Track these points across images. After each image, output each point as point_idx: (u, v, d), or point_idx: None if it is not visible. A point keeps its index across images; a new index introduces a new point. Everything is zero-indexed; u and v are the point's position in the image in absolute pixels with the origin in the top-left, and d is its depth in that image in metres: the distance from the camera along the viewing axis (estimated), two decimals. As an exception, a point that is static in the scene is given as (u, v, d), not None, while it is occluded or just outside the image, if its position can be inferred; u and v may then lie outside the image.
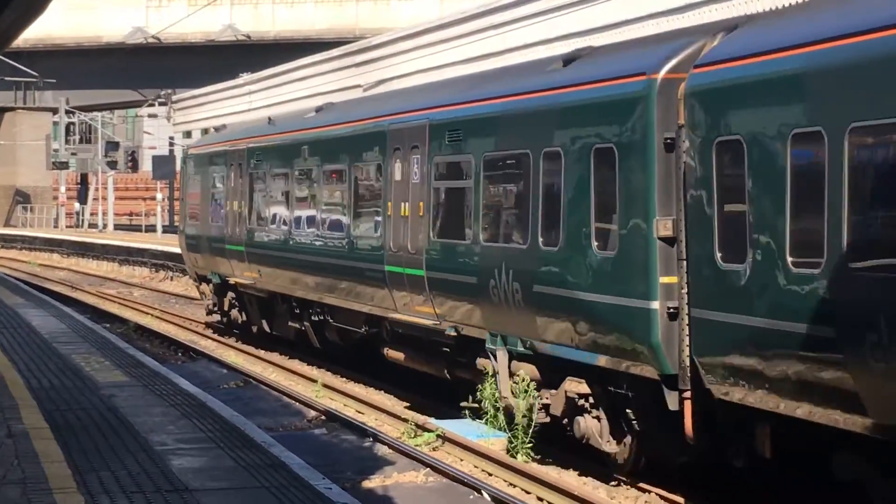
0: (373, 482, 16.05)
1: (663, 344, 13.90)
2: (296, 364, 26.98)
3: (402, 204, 20.52)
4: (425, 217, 19.64)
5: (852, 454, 11.63)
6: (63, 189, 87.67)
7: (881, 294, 10.37)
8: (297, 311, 26.36)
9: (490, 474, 16.51)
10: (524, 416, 17.01)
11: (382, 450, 18.05)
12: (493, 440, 17.82)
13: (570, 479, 16.23)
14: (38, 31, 68.19)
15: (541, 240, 16.29)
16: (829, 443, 11.97)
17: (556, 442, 17.38)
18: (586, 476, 16.39)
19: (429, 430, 18.48)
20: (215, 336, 32.14)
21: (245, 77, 56.57)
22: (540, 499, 15.28)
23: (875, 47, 10.71)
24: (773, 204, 11.95)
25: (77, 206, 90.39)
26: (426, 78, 32.61)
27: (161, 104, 69.70)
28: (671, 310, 13.88)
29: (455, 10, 45.90)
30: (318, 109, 27.07)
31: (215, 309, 32.21)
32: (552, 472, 16.41)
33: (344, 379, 25.07)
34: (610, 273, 14.87)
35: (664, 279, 13.98)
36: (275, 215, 26.98)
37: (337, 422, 20.17)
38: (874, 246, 10.60)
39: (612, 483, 15.88)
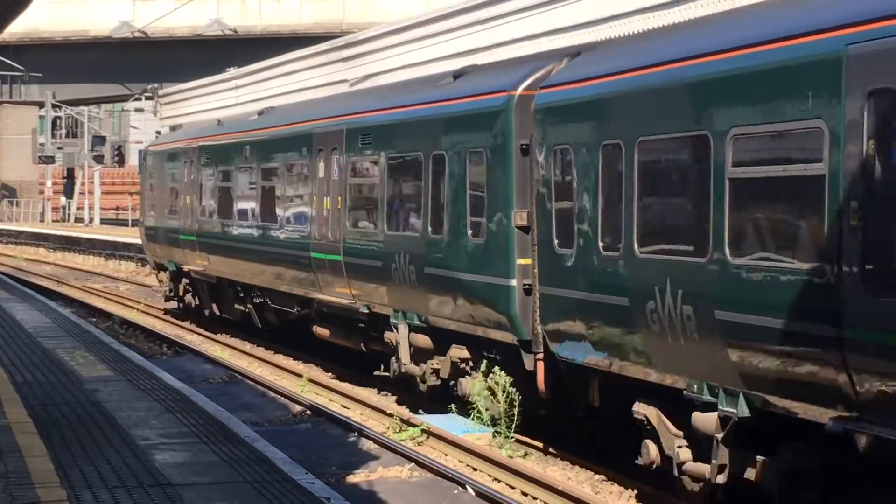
0: (357, 477, 16.04)
1: (520, 315, 16.81)
2: (281, 359, 26.95)
3: (325, 198, 23.30)
4: (343, 210, 22.47)
5: (648, 399, 14.15)
6: (49, 183, 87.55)
7: (656, 272, 13.40)
8: (241, 295, 29.08)
9: (475, 469, 16.51)
10: (507, 410, 17.03)
11: (367, 444, 18.04)
12: (479, 435, 17.83)
13: (554, 473, 16.23)
14: (25, 25, 68.07)
15: (430, 229, 19.19)
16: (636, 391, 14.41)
17: (541, 437, 17.39)
18: (571, 470, 16.38)
19: (414, 425, 18.48)
20: (200, 331, 32.10)
21: (232, 71, 56.49)
22: (524, 493, 15.27)
23: (651, 80, 13.82)
24: (589, 200, 14.88)
25: (63, 200, 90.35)
26: (414, 73, 32.62)
27: (148, 98, 69.57)
28: (526, 286, 16.74)
29: (442, 5, 45.89)
30: (260, 113, 30.30)
31: (172, 295, 34.79)
32: (537, 467, 16.41)
33: (330, 374, 25.05)
34: (480, 257, 17.77)
35: (521, 261, 16.92)
36: (221, 208, 29.63)
37: (322, 416, 20.15)
38: (653, 235, 13.68)
39: (599, 478, 15.88)
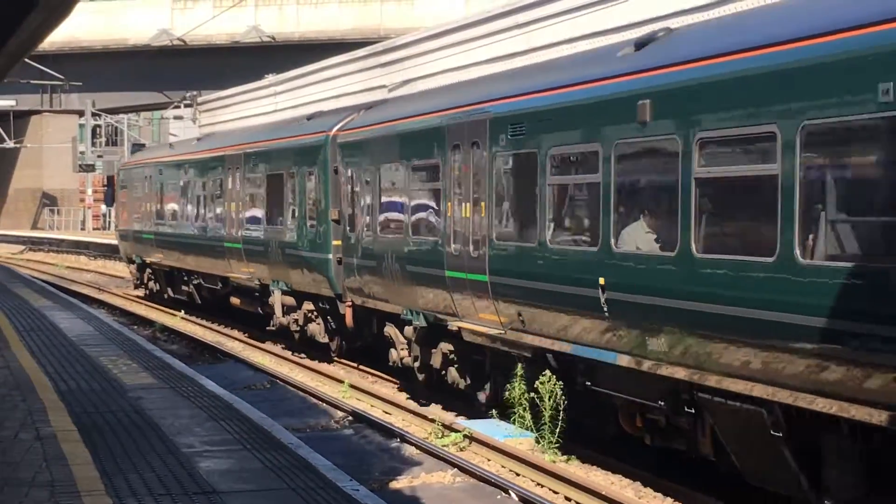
0: (400, 483, 16.05)
1: (335, 277, 25.33)
2: (322, 365, 27.00)
3: (233, 203, 32.12)
4: (243, 209, 31.19)
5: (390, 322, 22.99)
6: (90, 191, 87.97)
7: (387, 246, 22.42)
8: (186, 279, 37.92)
9: (517, 474, 16.49)
10: (551, 415, 17.01)
11: (409, 450, 18.05)
12: (521, 440, 17.80)
13: (597, 478, 16.19)
14: (64, 34, 68.49)
15: (288, 221, 27.89)
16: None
17: (584, 441, 17.36)
18: (614, 475, 16.34)
19: (456, 431, 18.47)
20: (242, 337, 32.23)
21: (270, 78, 56.63)
22: (567, 498, 15.25)
23: (387, 130, 22.95)
24: (364, 203, 23.68)
25: (103, 208, 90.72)
26: (453, 77, 32.61)
27: (186, 106, 69.80)
28: (338, 259, 25.17)
29: (480, 9, 45.91)
30: (199, 139, 40.95)
31: (139, 283, 44.26)
32: (579, 472, 16.38)
33: (371, 379, 25.08)
34: (314, 241, 26.42)
35: (335, 242, 25.36)
36: (171, 212, 38.72)
37: (364, 422, 20.17)
38: (388, 225, 22.53)
39: (640, 482, 15.84)
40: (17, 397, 17.52)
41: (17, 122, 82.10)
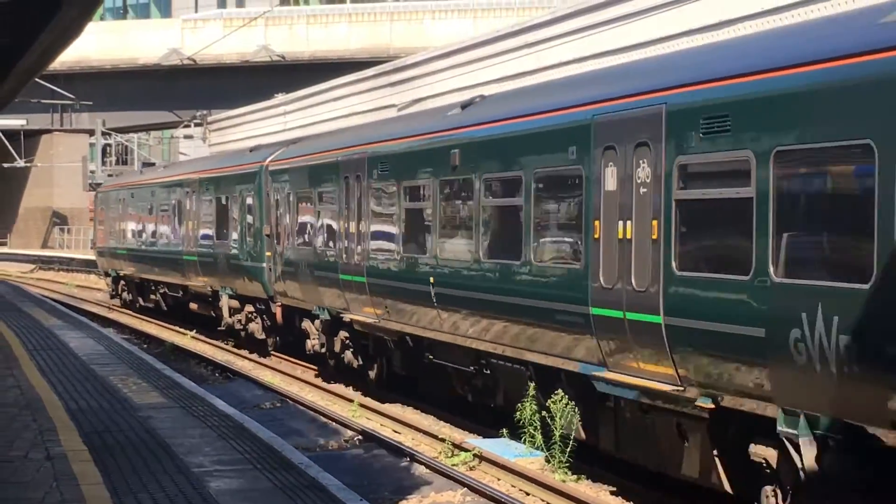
0: (410, 502, 16.04)
1: (268, 282, 30.55)
2: (332, 384, 27.00)
3: (190, 222, 37.46)
4: (197, 227, 36.66)
5: (310, 318, 27.92)
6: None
7: (303, 255, 27.06)
8: (153, 289, 43.28)
9: (527, 493, 16.47)
10: (561, 435, 17.00)
11: (419, 469, 18.04)
12: (531, 459, 17.79)
13: (607, 498, 16.17)
14: (75, 54, 68.67)
15: (233, 237, 33.25)
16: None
17: (594, 461, 17.34)
18: (624, 495, 16.32)
19: (466, 450, 18.46)
20: (251, 356, 32.27)
21: (280, 97, 56.76)
22: (578, 518, 15.22)
23: (302, 163, 27.94)
24: (289, 222, 28.30)
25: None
26: (461, 97, 32.66)
27: (197, 125, 69.95)
28: (270, 268, 30.16)
29: (489, 28, 45.97)
30: (165, 166, 49.94)
31: (114, 293, 50.06)
32: (590, 491, 16.36)
33: (380, 399, 25.09)
34: (251, 252, 31.75)
35: (267, 254, 30.55)
36: (139, 231, 44.19)
37: (374, 442, 20.17)
38: (303, 236, 27.26)
39: (650, 502, 15.82)
40: (27, 416, 17.54)
41: (27, 141, 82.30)
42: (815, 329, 11.36)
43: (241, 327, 33.34)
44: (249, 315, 32.79)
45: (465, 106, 20.73)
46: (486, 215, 18.55)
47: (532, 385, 17.85)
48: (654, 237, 14.13)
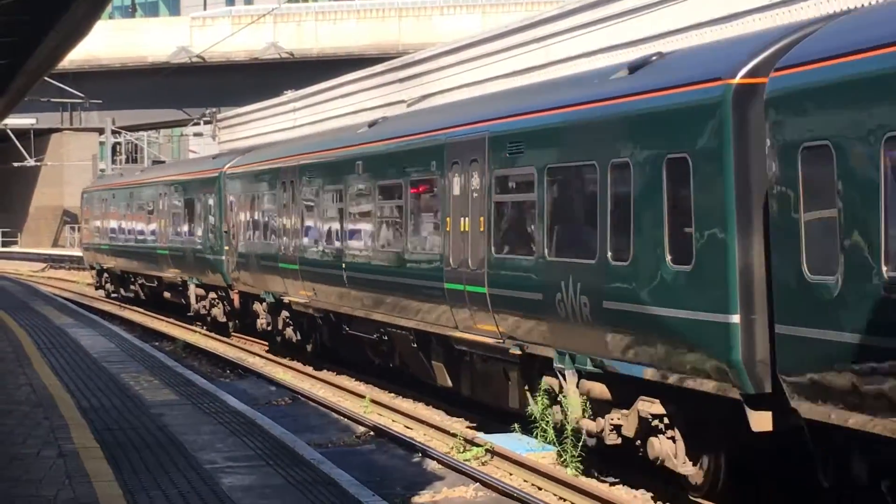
0: (422, 498, 16.04)
1: (226, 272, 34.24)
2: (343, 380, 27.01)
3: (162, 220, 41.88)
4: (169, 225, 40.99)
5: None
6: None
7: (252, 248, 31.57)
8: (133, 280, 47.81)
9: (540, 488, 16.45)
10: (573, 429, 16.98)
11: (431, 465, 18.03)
12: (543, 454, 17.78)
13: (619, 492, 16.16)
14: (84, 52, 68.77)
15: (198, 233, 37.26)
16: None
17: (607, 456, 17.32)
18: (637, 489, 16.30)
19: (478, 445, 18.44)
20: (263, 353, 32.30)
21: (289, 94, 56.78)
22: (590, 513, 15.21)
23: (250, 170, 32.10)
24: (241, 220, 32.04)
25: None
26: (470, 92, 32.61)
27: (206, 122, 70.03)
28: (228, 259, 33.88)
29: (497, 24, 45.91)
30: (142, 170, 53.71)
31: (98, 285, 54.21)
32: (602, 486, 16.34)
33: (392, 394, 25.08)
34: (212, 246, 35.76)
35: (226, 247, 34.05)
36: (119, 228, 48.59)
37: (385, 437, 20.17)
38: (253, 231, 31.34)
39: (663, 497, 15.80)
40: (39, 414, 17.57)
41: (37, 140, 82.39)
42: (568, 292, 16.42)
43: (206, 312, 37.73)
44: (213, 301, 37.15)
45: (371, 125, 25.68)
46: (379, 213, 23.32)
47: (543, 381, 17.87)
48: (482, 230, 18.94)
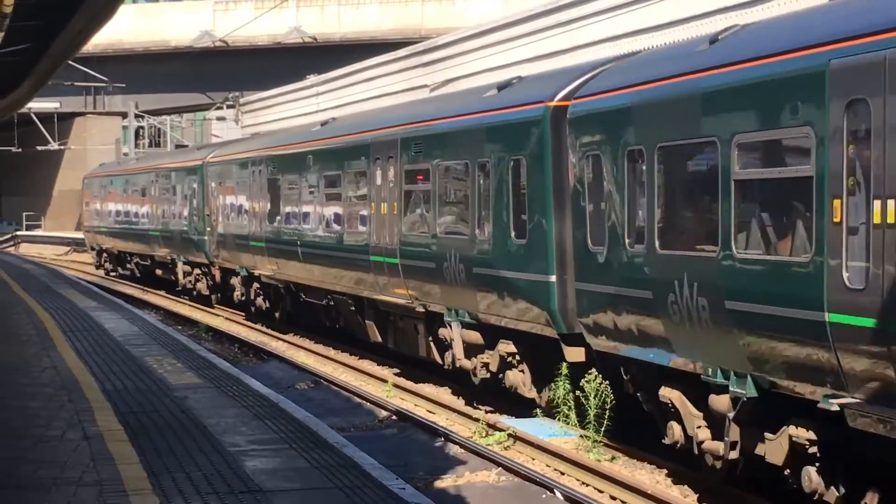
0: (445, 482, 16.06)
1: (208, 250, 38.54)
2: (366, 364, 27.06)
3: (154, 204, 46.08)
4: (159, 208, 45.56)
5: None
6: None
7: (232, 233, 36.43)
8: (128, 259, 52.64)
9: (562, 473, 16.47)
10: (596, 415, 16.99)
11: (454, 449, 18.05)
12: (566, 439, 17.79)
13: (642, 477, 16.15)
14: (107, 37, 68.70)
15: (184, 216, 41.23)
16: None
17: (629, 440, 17.32)
18: (659, 474, 16.30)
19: (500, 430, 18.46)
20: (285, 337, 32.34)
21: (312, 79, 56.77)
22: (613, 497, 15.22)
23: (231, 161, 36.96)
24: (219, 204, 37.25)
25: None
26: (494, 77, 32.51)
27: (229, 107, 70.02)
28: (209, 239, 37.97)
29: (520, 8, 45.75)
30: (137, 159, 60.08)
31: (98, 265, 58.58)
32: (624, 471, 16.34)
33: (414, 379, 25.11)
34: (197, 228, 39.38)
35: (208, 229, 38.06)
36: (117, 212, 53.32)
37: (408, 421, 20.19)
38: (227, 214, 36.75)
39: (686, 481, 15.79)
40: (63, 397, 17.63)
41: (61, 124, 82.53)
42: (451, 262, 20.94)
43: (192, 286, 42.06)
44: (197, 276, 41.63)
45: (323, 123, 30.59)
46: (324, 199, 27.91)
47: (564, 366, 17.89)
48: (395, 213, 23.57)
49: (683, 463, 16.17)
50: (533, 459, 17.28)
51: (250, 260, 34.07)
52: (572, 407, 17.71)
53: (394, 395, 22.80)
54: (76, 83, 72.71)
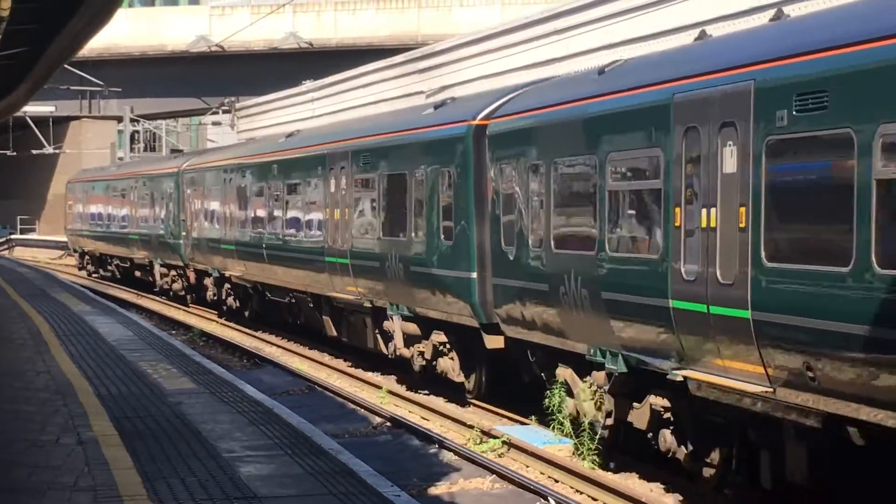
0: (439, 488, 16.06)
1: (184, 253, 40.96)
2: (360, 371, 27.05)
3: (133, 208, 48.90)
4: (138, 213, 48.05)
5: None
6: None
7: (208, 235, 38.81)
8: (109, 261, 55.14)
9: (556, 480, 16.48)
10: (590, 423, 16.99)
11: (448, 456, 18.06)
12: (560, 446, 17.80)
13: (636, 485, 16.16)
14: (104, 41, 68.64)
15: (161, 221, 43.02)
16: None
17: (623, 448, 17.32)
18: (653, 482, 16.31)
19: (494, 437, 18.47)
20: (279, 342, 32.33)
21: (308, 84, 56.78)
22: (607, 505, 15.22)
23: (213, 169, 38.48)
24: (195, 209, 39.68)
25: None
26: (490, 84, 32.57)
27: (225, 112, 69.99)
28: (185, 243, 41.08)
29: (517, 15, 45.81)
30: (117, 166, 60.40)
31: (80, 266, 61.10)
32: (618, 479, 16.35)
33: (408, 385, 25.11)
34: (173, 232, 42.12)
35: (183, 233, 40.92)
36: (98, 215, 55.82)
37: (402, 428, 20.19)
38: (201, 219, 39.21)
39: (680, 489, 15.80)
40: (58, 402, 17.63)
41: (56, 127, 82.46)
42: (395, 260, 23.31)
43: (168, 287, 44.61)
44: (173, 278, 44.17)
45: (288, 136, 32.97)
46: (286, 205, 30.28)
47: (559, 373, 17.90)
48: (347, 218, 25.96)
49: (677, 472, 16.19)
50: (527, 467, 17.29)
51: (221, 262, 36.67)
52: (567, 415, 17.72)
53: (388, 401, 22.80)
54: (72, 87, 72.65)
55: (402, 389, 24.03)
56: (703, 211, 13.54)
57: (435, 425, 20.68)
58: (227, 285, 37.15)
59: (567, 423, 17.74)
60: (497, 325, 19.85)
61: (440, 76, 41.29)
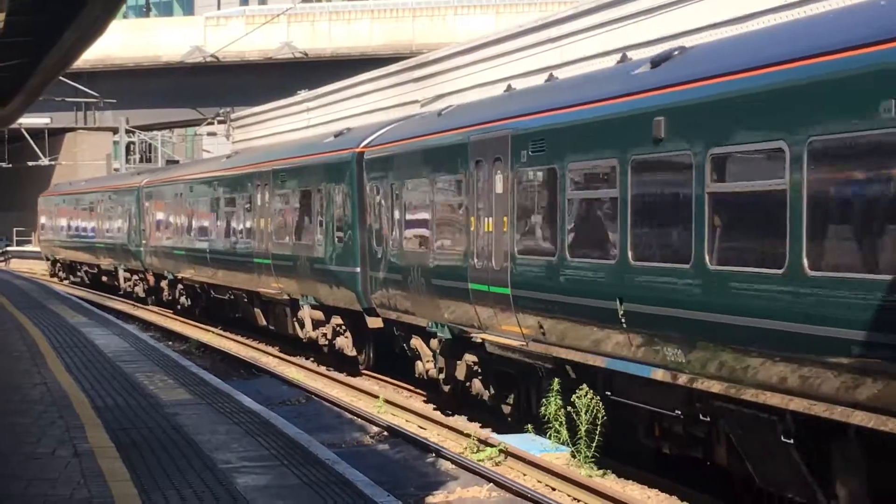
0: (436, 498, 16.04)
1: (144, 259, 47.20)
2: (357, 380, 27.04)
3: (99, 220, 53.70)
4: (103, 224, 53.03)
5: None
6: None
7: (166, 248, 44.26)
8: (78, 268, 60.40)
9: (553, 489, 16.46)
10: (587, 430, 16.98)
11: (445, 465, 18.04)
12: (557, 454, 17.78)
13: (633, 492, 16.15)
14: (98, 52, 68.62)
15: (125, 231, 48.99)
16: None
17: (620, 456, 17.32)
18: (651, 489, 16.30)
19: (491, 445, 18.46)
20: (276, 353, 32.32)
21: (303, 94, 56.82)
22: (604, 513, 15.20)
23: (161, 184, 45.53)
24: (154, 220, 45.11)
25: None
26: (485, 92, 32.60)
27: (220, 122, 70.05)
28: (144, 250, 46.07)
29: (511, 24, 45.84)
30: (86, 181, 64.32)
31: (52, 272, 66.61)
32: (616, 486, 16.34)
33: (406, 394, 25.09)
34: (136, 240, 47.72)
35: (143, 241, 46.67)
36: (68, 226, 61.15)
37: (399, 437, 20.18)
38: (160, 229, 44.71)
39: (678, 496, 15.79)
40: (54, 413, 17.60)
41: (51, 139, 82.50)
42: (304, 260, 28.92)
43: (131, 290, 49.89)
44: (135, 282, 49.59)
45: (228, 156, 36.66)
46: (225, 216, 35.72)
47: (556, 381, 17.91)
48: (269, 226, 31.37)
49: (675, 478, 16.18)
50: (524, 475, 17.28)
51: (175, 266, 42.37)
52: (563, 423, 17.70)
53: (385, 410, 22.79)
54: (67, 98, 72.63)
55: (399, 398, 24.02)
56: (485, 219, 19.32)
57: (432, 434, 20.67)
58: (180, 287, 42.67)
59: (564, 431, 17.74)
60: (374, 308, 25.04)
61: (435, 85, 41.32)
